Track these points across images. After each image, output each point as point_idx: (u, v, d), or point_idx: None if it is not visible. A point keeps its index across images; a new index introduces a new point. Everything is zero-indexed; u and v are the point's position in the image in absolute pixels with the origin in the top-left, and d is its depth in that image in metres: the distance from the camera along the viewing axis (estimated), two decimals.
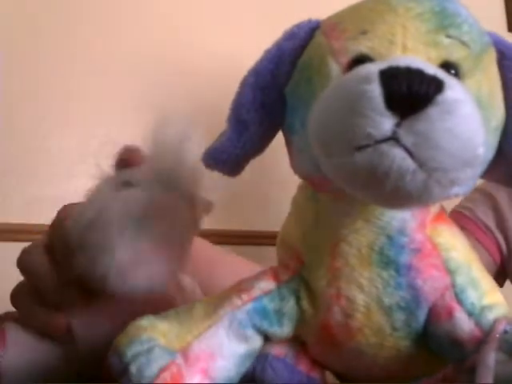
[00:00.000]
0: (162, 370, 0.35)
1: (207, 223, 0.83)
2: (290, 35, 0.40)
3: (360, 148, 0.30)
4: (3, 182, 0.93)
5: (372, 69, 0.30)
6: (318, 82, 0.36)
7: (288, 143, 0.40)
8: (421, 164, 0.29)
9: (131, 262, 0.40)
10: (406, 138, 0.29)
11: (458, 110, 0.29)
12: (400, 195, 0.31)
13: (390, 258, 0.37)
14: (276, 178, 0.78)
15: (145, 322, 0.38)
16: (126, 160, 0.45)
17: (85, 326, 0.45)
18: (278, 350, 0.42)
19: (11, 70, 0.93)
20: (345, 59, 0.35)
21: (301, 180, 0.43)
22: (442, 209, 0.40)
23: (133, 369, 0.35)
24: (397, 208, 0.36)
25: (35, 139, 0.96)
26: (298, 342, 0.43)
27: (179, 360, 0.36)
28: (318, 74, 0.36)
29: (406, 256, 0.37)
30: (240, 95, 0.40)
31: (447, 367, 0.41)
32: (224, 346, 0.38)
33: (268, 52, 0.40)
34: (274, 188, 0.79)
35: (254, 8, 0.91)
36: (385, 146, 0.29)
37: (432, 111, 0.29)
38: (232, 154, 0.39)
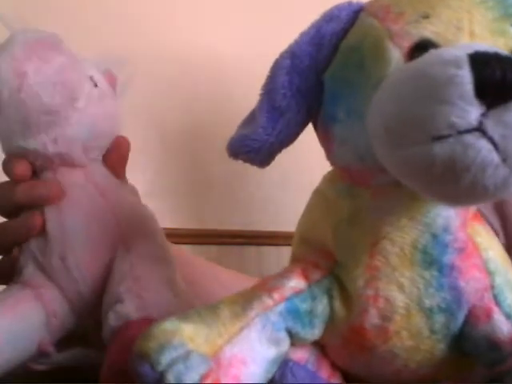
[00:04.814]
0: (204, 377, 0.31)
1: (208, 224, 0.79)
2: (329, 17, 0.37)
3: (439, 138, 0.28)
4: None
5: (459, 53, 0.28)
6: (373, 66, 0.33)
7: (325, 133, 0.37)
8: (505, 158, 0.27)
9: None
10: (494, 130, 0.27)
11: None
12: (475, 191, 0.29)
13: (434, 258, 0.35)
14: (276, 177, 0.76)
15: (169, 324, 0.34)
16: None
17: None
18: (299, 356, 0.39)
19: None
20: (406, 43, 0.32)
21: (327, 173, 0.40)
22: (478, 207, 0.39)
23: (170, 377, 0.31)
24: (462, 205, 0.34)
25: None
26: (317, 346, 0.40)
27: (214, 366, 0.33)
28: (372, 57, 0.33)
29: (450, 255, 0.36)
30: (274, 79, 0.37)
31: (473, 370, 0.40)
32: (256, 350, 0.35)
33: (305, 34, 0.37)
34: (274, 188, 0.77)
35: (252, 8, 0.87)
36: (469, 137, 0.27)
37: None
38: (266, 143, 0.36)
